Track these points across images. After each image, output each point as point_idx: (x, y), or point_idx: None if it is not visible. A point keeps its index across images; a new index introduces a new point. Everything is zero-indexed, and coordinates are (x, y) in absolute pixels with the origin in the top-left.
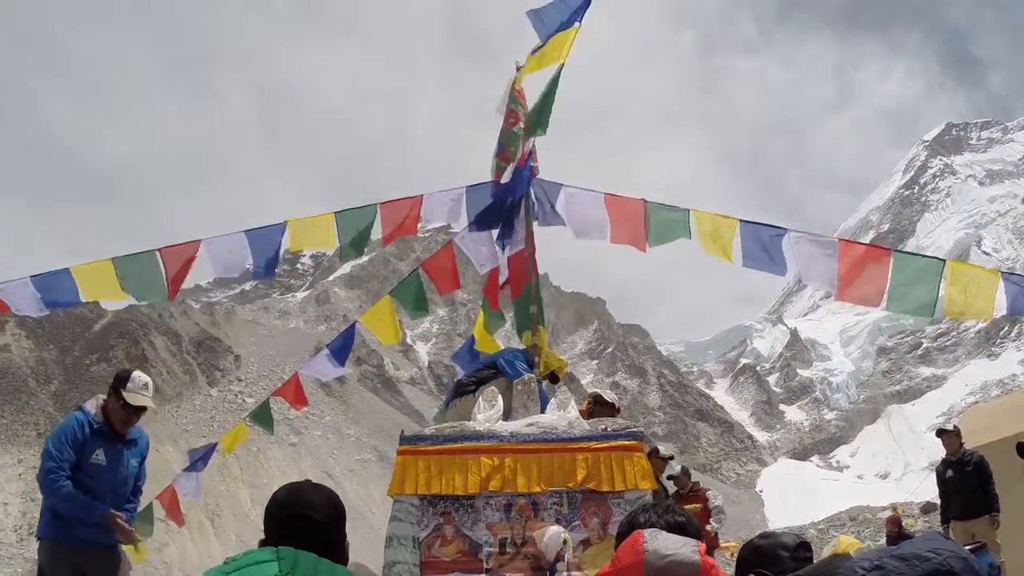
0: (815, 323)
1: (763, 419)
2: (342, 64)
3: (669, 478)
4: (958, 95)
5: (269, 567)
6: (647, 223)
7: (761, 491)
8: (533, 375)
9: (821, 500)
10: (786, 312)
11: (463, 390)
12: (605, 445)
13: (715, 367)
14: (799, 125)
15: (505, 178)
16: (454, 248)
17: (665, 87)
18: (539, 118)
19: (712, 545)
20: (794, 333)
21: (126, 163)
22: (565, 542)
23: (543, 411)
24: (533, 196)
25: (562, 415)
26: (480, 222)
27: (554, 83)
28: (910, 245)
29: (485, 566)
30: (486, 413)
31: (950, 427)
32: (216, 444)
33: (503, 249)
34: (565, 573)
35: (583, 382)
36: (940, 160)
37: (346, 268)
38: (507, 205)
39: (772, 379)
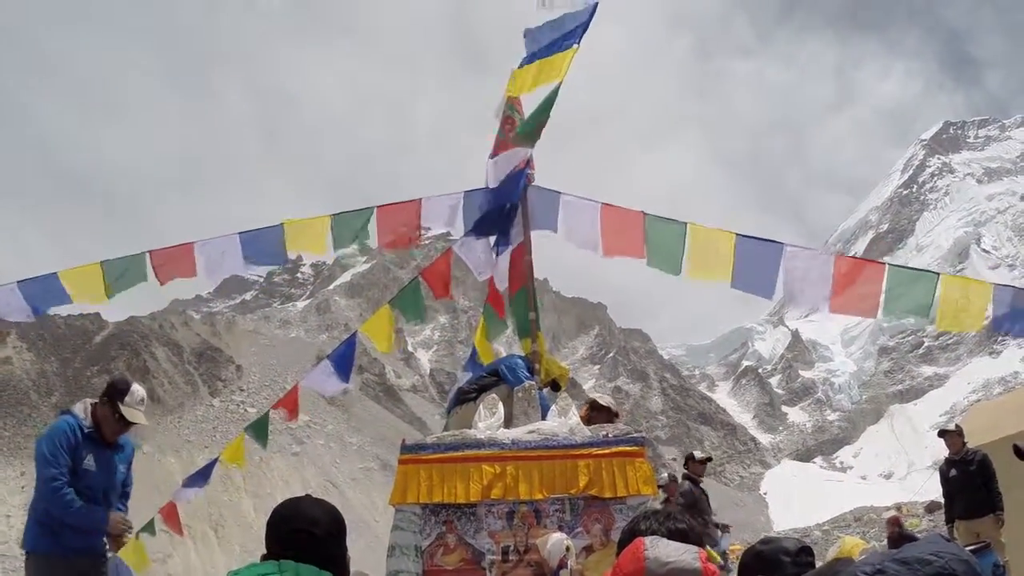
0: (816, 324)
1: (766, 421)
2: (341, 67)
3: (659, 488)
4: (956, 95)
5: None
6: (645, 238)
7: (765, 493)
8: (534, 382)
9: (825, 501)
10: (787, 314)
11: (464, 398)
12: (607, 451)
13: (717, 370)
14: (798, 126)
15: (493, 183)
16: (453, 255)
17: (663, 91)
18: (530, 130)
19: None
20: (795, 334)
21: (124, 167)
22: (568, 549)
23: (544, 418)
24: (530, 203)
25: (563, 422)
26: (478, 228)
27: (550, 100)
28: (910, 244)
29: (488, 574)
30: (487, 421)
31: (952, 427)
32: (216, 460)
33: (498, 255)
34: None
35: (585, 387)
36: (938, 159)
37: (346, 277)
38: (503, 211)
39: (774, 381)
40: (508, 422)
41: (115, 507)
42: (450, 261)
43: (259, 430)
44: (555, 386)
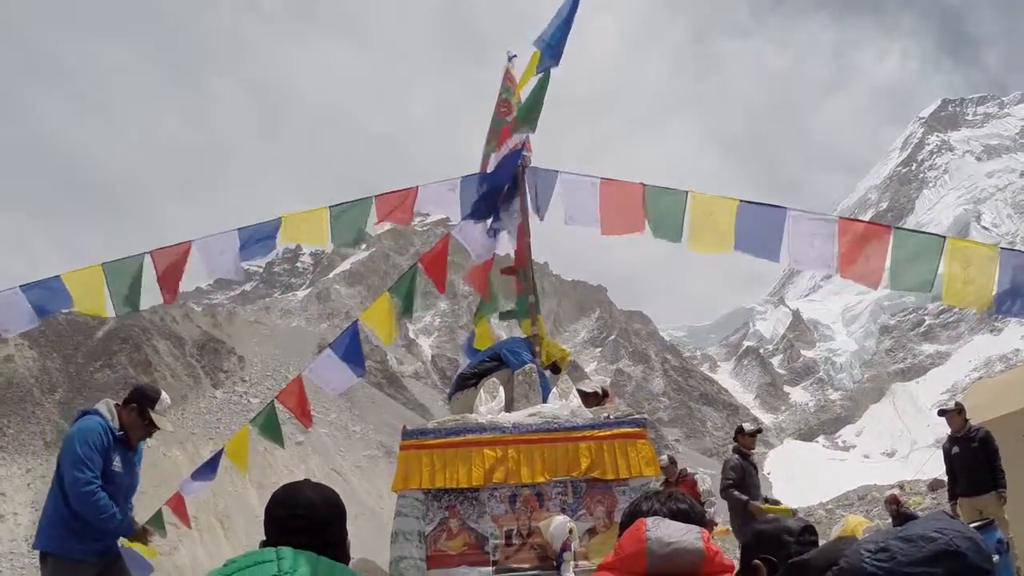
0: (817, 303)
1: (768, 401)
2: (338, 61)
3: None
4: (954, 73)
5: (268, 567)
6: (646, 209)
7: (768, 473)
8: (535, 365)
9: (828, 480)
10: (787, 293)
11: (465, 383)
12: (608, 433)
13: (718, 351)
14: (795, 107)
15: (491, 166)
16: (451, 241)
17: (660, 74)
18: (528, 115)
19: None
20: (796, 314)
21: (126, 168)
22: (571, 532)
23: (545, 400)
24: (527, 185)
25: (564, 404)
26: (476, 212)
27: (543, 85)
28: (909, 223)
29: (492, 558)
30: (488, 405)
31: (952, 406)
32: (222, 452)
33: (494, 236)
34: (572, 563)
35: (587, 370)
36: (937, 137)
37: (346, 265)
38: (499, 193)
39: (776, 361)
40: (509, 406)
41: (127, 506)
42: (447, 248)
43: (271, 430)
44: (555, 369)
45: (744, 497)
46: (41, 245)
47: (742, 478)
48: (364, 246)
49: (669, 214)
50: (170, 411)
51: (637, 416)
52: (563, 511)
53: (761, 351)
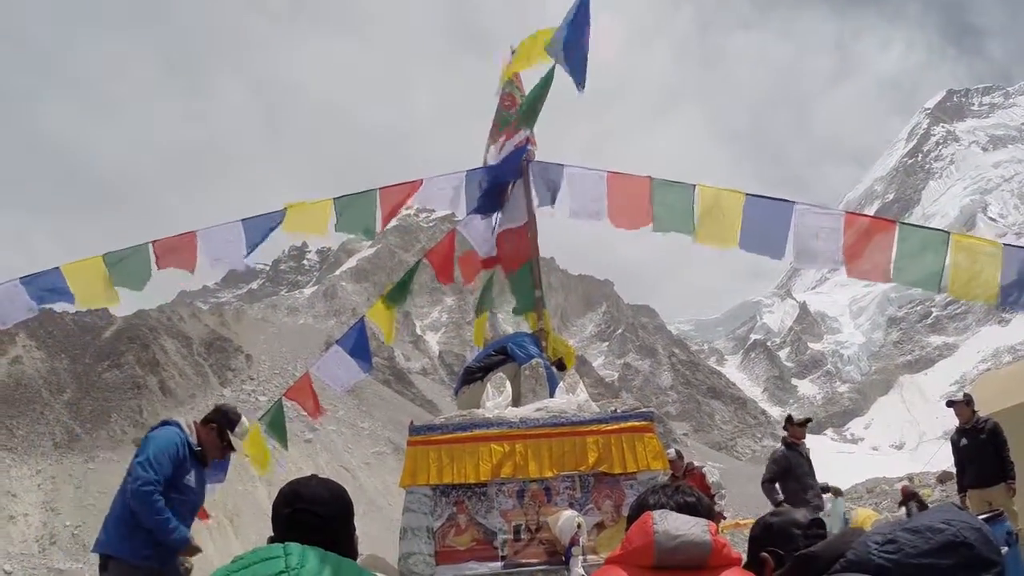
0: (824, 296)
1: (776, 394)
2: (340, 57)
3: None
4: (959, 64)
5: (276, 563)
6: (652, 202)
7: None
8: (541, 360)
9: (837, 473)
10: (794, 286)
11: (471, 377)
12: (616, 427)
13: (725, 344)
14: (800, 99)
15: (493, 159)
16: (456, 236)
17: (664, 67)
18: (528, 110)
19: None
20: (803, 307)
21: (127, 165)
22: (579, 526)
23: (552, 395)
24: (532, 179)
25: (571, 399)
26: (481, 207)
27: (547, 80)
28: (916, 213)
29: (500, 553)
30: (495, 400)
31: (960, 397)
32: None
33: (492, 229)
34: (580, 557)
35: (594, 364)
36: (943, 127)
37: (352, 262)
38: (502, 187)
39: (783, 354)
40: (516, 400)
41: (189, 520)
42: (453, 244)
43: (277, 429)
44: (560, 365)
45: (779, 496)
46: (43, 242)
47: (785, 470)
48: (369, 243)
49: (676, 207)
50: (246, 435)
51: (644, 410)
52: (571, 506)
53: (768, 344)
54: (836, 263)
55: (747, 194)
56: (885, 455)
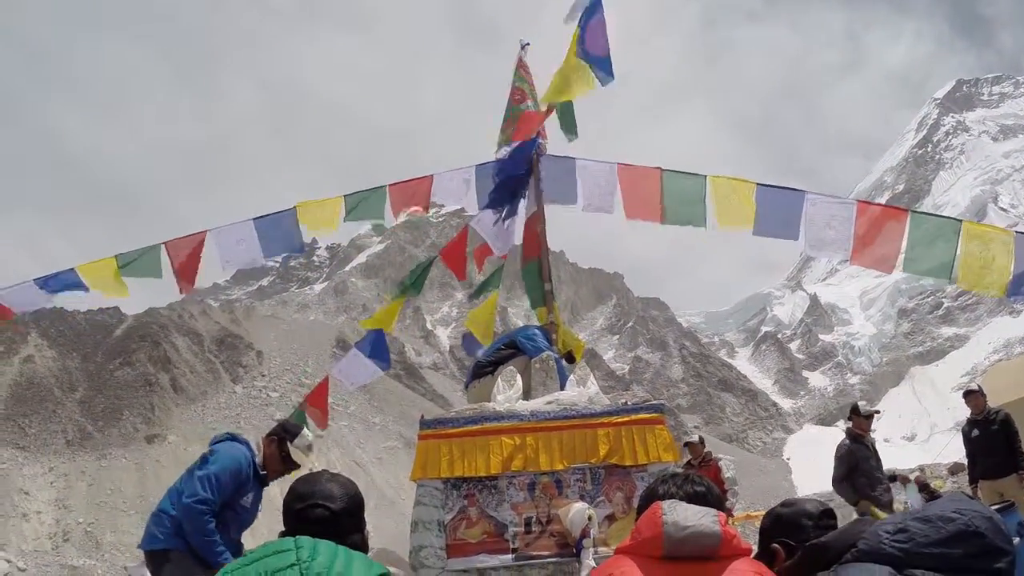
0: (834, 287)
1: (787, 386)
2: (348, 55)
3: (685, 445)
4: (968, 54)
5: (287, 556)
6: (663, 193)
7: (788, 459)
8: (552, 352)
9: None
10: (804, 278)
11: (481, 371)
12: (626, 419)
13: (736, 336)
14: (809, 90)
15: (502, 153)
16: (469, 232)
17: (672, 60)
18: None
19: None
20: (814, 298)
21: (137, 165)
22: (590, 518)
23: (562, 388)
24: (542, 173)
25: (582, 391)
26: (493, 202)
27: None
28: (926, 204)
29: (511, 546)
30: (506, 393)
31: (975, 387)
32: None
33: (504, 222)
34: (591, 549)
35: (605, 357)
36: (952, 117)
37: (362, 258)
38: (515, 182)
39: (794, 346)
40: (526, 394)
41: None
42: (466, 240)
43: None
44: (570, 358)
45: (855, 496)
46: (54, 242)
47: (854, 466)
48: (379, 239)
49: (687, 198)
50: (311, 450)
51: (655, 402)
52: (582, 498)
53: (779, 336)
54: (848, 252)
55: (758, 184)
56: (896, 446)
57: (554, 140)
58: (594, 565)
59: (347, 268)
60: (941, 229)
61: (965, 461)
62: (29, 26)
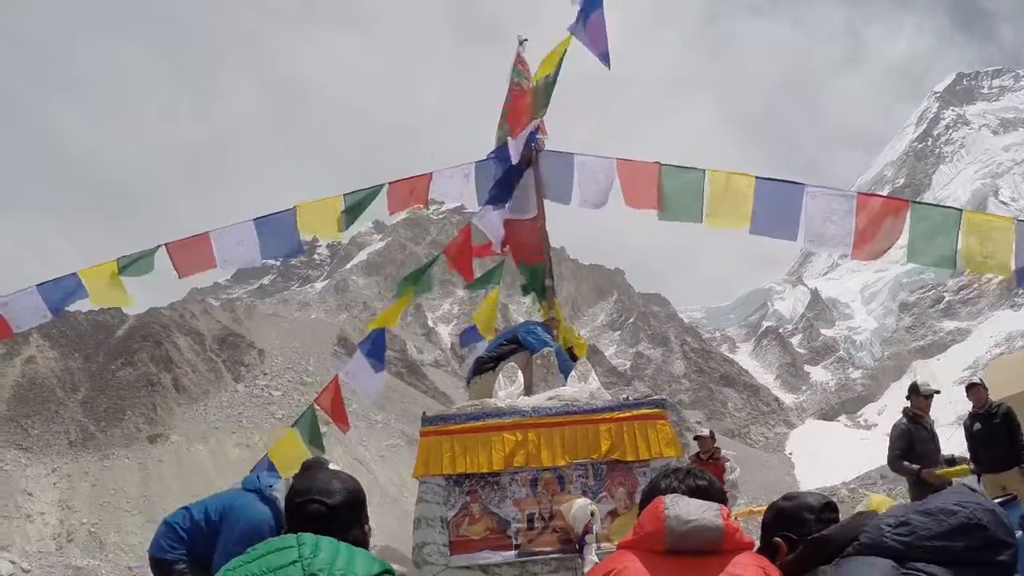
0: (835, 282)
1: (788, 381)
2: (347, 53)
3: (695, 438)
4: (968, 48)
5: (289, 552)
6: (661, 188)
7: (790, 453)
8: (553, 348)
9: (851, 460)
10: (805, 272)
11: (483, 367)
12: (628, 414)
13: (737, 331)
14: (810, 85)
15: (502, 147)
16: (472, 230)
17: (673, 54)
18: (540, 97)
19: None
20: (815, 293)
21: (137, 165)
22: (592, 514)
23: (564, 384)
24: (542, 169)
25: (583, 387)
26: (493, 198)
27: (550, 85)
28: (927, 198)
29: (514, 542)
30: (507, 389)
31: (977, 380)
32: (266, 459)
33: (505, 218)
34: (594, 545)
35: (606, 354)
36: (952, 111)
37: (363, 255)
38: (512, 176)
39: (795, 340)
40: (528, 389)
41: None
42: (469, 239)
43: (316, 440)
44: (571, 356)
45: (915, 467)
46: (55, 243)
47: (910, 445)
48: (380, 236)
49: (686, 192)
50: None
51: (656, 397)
52: (584, 494)
53: (781, 331)
54: (848, 245)
55: (757, 177)
56: None
57: (554, 136)
58: (597, 561)
59: (348, 266)
60: (943, 219)
61: (967, 455)
62: (29, 26)
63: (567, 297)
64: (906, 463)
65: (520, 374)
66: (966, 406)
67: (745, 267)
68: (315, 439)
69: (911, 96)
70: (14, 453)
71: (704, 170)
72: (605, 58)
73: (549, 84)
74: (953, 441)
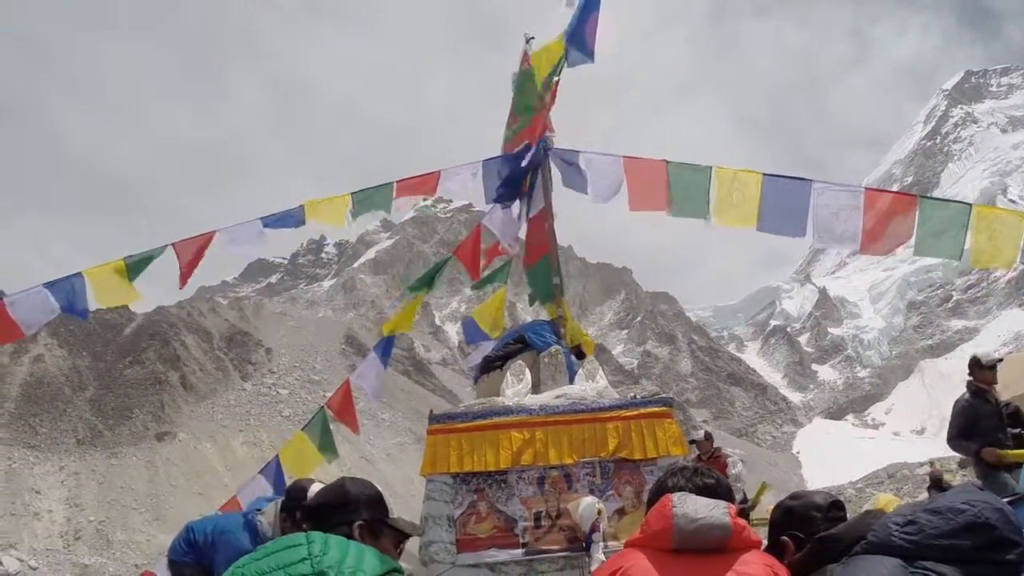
0: (843, 281)
1: (796, 380)
2: (353, 52)
3: (691, 442)
4: (976, 47)
5: (299, 550)
6: (669, 186)
7: (798, 452)
8: (560, 347)
9: (858, 459)
10: (813, 271)
11: (490, 366)
12: (635, 413)
13: (745, 330)
14: (817, 85)
15: (512, 149)
16: (482, 230)
17: (679, 55)
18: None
19: None
20: (823, 292)
21: (144, 166)
22: (600, 512)
23: (571, 382)
24: (551, 166)
25: (591, 385)
26: (501, 197)
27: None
28: (935, 196)
29: (521, 541)
30: (514, 388)
31: None
32: (276, 459)
33: (514, 218)
34: (601, 543)
35: (614, 352)
36: (961, 109)
37: (370, 254)
38: (521, 175)
39: (803, 339)
40: (535, 388)
41: None
42: (479, 239)
43: (327, 446)
44: (579, 354)
45: (974, 446)
46: (60, 245)
47: (973, 422)
48: (387, 234)
49: (693, 189)
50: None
51: (663, 396)
52: (591, 492)
53: (788, 330)
54: (857, 242)
55: (764, 174)
56: (906, 440)
57: (561, 134)
58: (604, 559)
59: (355, 264)
60: (951, 214)
61: None
62: (31, 26)
63: (574, 296)
64: (964, 442)
65: (527, 372)
66: None
67: (753, 266)
68: (326, 442)
69: (919, 95)
70: (22, 451)
71: (711, 167)
72: (590, 55)
73: (550, 85)
74: None
